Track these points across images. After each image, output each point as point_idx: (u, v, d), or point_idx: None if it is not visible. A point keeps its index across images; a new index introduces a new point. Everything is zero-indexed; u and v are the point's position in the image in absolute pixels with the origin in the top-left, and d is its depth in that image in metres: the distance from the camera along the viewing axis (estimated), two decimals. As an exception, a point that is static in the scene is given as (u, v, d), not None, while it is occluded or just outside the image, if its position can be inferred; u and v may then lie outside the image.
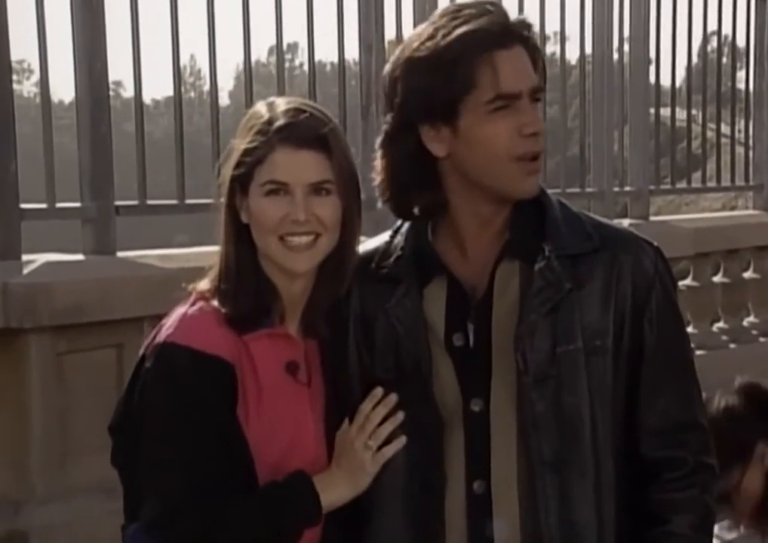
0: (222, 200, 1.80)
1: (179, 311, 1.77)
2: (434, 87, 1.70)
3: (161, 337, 1.74)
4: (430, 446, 1.81)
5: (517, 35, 1.73)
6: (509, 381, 1.78)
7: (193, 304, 1.77)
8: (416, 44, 1.73)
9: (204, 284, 1.79)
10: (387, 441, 1.81)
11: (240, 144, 1.77)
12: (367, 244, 1.93)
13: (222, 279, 1.77)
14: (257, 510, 1.72)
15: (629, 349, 1.80)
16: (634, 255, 1.81)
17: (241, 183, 1.77)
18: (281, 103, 1.79)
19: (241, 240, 1.78)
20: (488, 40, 1.69)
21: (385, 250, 1.87)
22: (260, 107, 1.80)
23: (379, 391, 1.82)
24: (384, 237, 1.91)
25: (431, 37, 1.71)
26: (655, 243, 1.86)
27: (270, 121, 1.75)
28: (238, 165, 1.76)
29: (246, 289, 1.75)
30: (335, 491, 1.78)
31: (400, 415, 1.81)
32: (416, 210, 1.82)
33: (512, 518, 1.78)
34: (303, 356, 1.83)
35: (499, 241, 1.80)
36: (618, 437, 1.80)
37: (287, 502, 1.73)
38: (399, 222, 1.90)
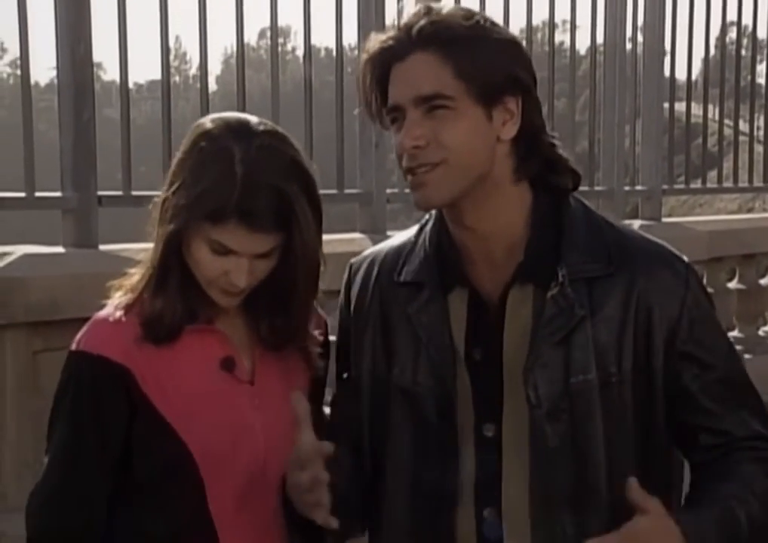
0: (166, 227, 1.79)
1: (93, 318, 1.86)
2: (376, 103, 1.81)
3: (72, 345, 1.84)
4: (445, 468, 1.81)
5: (415, 42, 1.74)
6: (521, 409, 1.78)
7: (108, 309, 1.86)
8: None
9: (123, 295, 1.86)
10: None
11: (197, 172, 1.75)
12: (393, 240, 1.96)
13: (149, 294, 1.82)
14: None
15: (664, 375, 1.79)
16: (658, 274, 1.79)
17: (190, 216, 1.76)
18: (248, 158, 1.74)
19: (172, 256, 1.81)
20: (387, 57, 1.77)
21: (410, 250, 1.89)
22: (224, 137, 1.76)
23: None
24: (410, 233, 1.93)
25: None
26: (686, 259, 1.84)
27: (233, 171, 1.72)
28: (195, 200, 1.75)
29: (171, 306, 1.81)
30: None
31: None
32: None
33: None
34: (245, 352, 1.88)
35: (515, 259, 1.80)
36: (644, 465, 1.80)
37: None
38: (425, 217, 1.92)
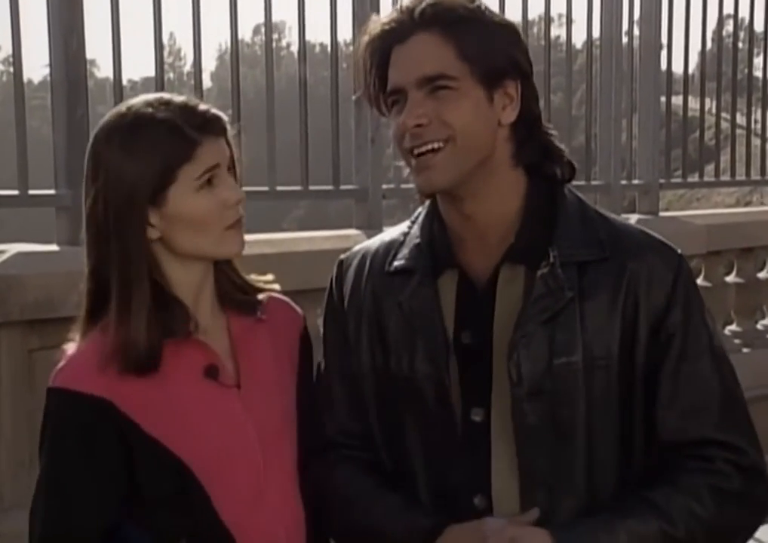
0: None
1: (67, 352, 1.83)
2: (374, 87, 1.81)
3: (49, 381, 1.81)
4: (450, 456, 1.80)
5: (417, 23, 1.75)
6: (508, 391, 1.77)
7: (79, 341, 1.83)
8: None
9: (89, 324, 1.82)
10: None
11: (144, 156, 1.75)
12: (383, 235, 1.96)
13: (125, 322, 1.77)
14: None
15: (644, 363, 1.78)
16: (649, 264, 1.79)
17: (155, 197, 1.76)
18: (162, 101, 1.79)
19: (149, 266, 1.79)
20: (387, 40, 1.77)
21: (402, 242, 1.89)
22: (139, 112, 1.78)
23: None
24: (401, 227, 1.93)
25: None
26: (679, 251, 1.84)
27: (165, 113, 1.76)
28: (154, 178, 1.75)
29: (143, 334, 1.77)
30: None
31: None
32: None
33: None
34: (226, 357, 1.86)
35: (506, 243, 1.80)
36: (628, 453, 1.79)
37: None
38: (417, 212, 1.92)
